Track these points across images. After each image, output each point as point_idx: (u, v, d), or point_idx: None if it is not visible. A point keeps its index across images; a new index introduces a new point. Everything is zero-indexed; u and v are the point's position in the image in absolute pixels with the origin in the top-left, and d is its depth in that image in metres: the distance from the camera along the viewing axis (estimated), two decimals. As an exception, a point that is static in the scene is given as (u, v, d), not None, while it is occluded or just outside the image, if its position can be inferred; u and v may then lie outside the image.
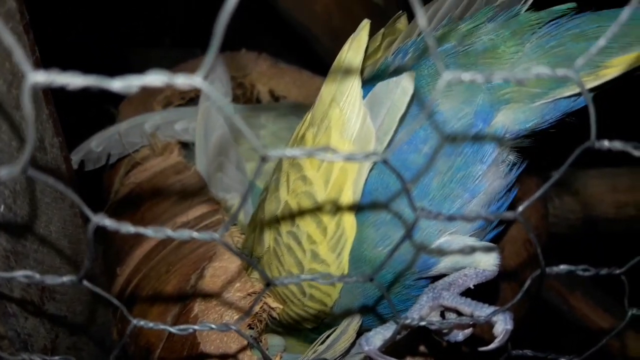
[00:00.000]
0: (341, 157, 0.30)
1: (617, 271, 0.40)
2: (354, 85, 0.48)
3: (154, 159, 0.77)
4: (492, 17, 0.50)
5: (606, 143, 0.31)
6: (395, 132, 0.47)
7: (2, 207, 0.43)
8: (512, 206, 0.54)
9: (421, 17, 0.27)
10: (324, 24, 1.17)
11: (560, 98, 0.46)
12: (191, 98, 0.87)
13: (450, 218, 0.34)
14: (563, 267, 0.37)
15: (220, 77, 0.81)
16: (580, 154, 0.32)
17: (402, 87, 0.46)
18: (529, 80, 0.45)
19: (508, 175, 0.51)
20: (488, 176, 0.49)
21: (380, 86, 0.48)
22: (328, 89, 0.51)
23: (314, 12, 1.17)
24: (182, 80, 0.25)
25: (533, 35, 0.47)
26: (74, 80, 0.25)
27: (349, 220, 0.49)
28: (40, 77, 0.25)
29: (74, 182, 0.57)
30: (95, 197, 0.83)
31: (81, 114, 0.87)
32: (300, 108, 0.82)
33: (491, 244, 0.50)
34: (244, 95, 0.92)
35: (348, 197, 0.48)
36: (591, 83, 0.45)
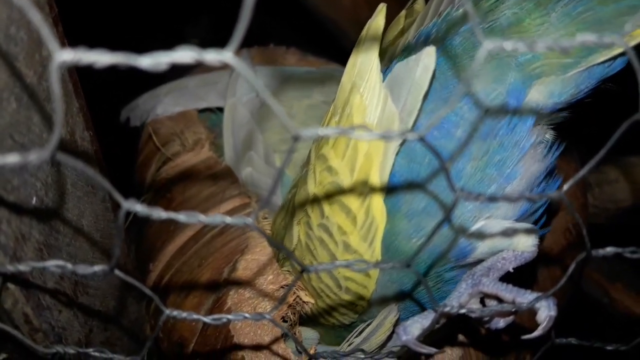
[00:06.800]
0: (376, 136, 0.29)
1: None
2: (373, 69, 0.48)
3: (185, 155, 0.77)
4: None
5: (657, 114, 0.29)
6: (420, 110, 0.46)
7: (35, 199, 0.43)
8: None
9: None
10: (352, 18, 1.16)
11: (594, 65, 0.44)
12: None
13: (492, 199, 0.33)
14: (610, 249, 0.36)
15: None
16: (622, 138, 0.31)
17: (423, 64, 0.45)
18: (571, 49, 0.43)
19: (546, 157, 0.49)
20: (525, 159, 0.47)
21: (400, 66, 0.47)
22: (348, 76, 0.50)
23: (341, 6, 1.16)
24: (212, 57, 0.25)
25: (558, 3, 0.45)
26: (101, 58, 0.24)
27: (378, 207, 0.48)
28: (67, 56, 0.24)
29: (105, 175, 0.57)
30: (127, 195, 0.84)
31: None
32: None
33: (530, 225, 0.48)
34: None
35: (375, 183, 0.47)
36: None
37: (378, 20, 0.49)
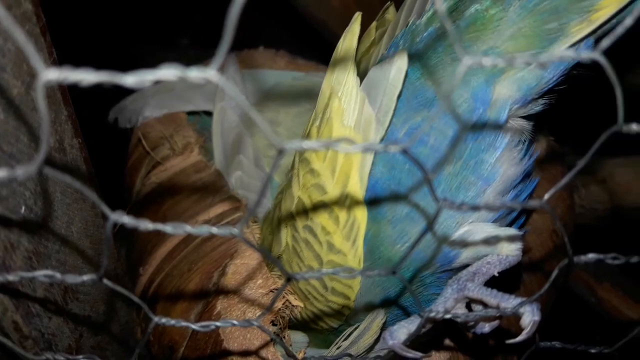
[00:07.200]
0: (359, 148, 0.30)
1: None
2: (350, 73, 0.50)
3: (174, 159, 0.77)
4: None
5: (635, 127, 0.29)
6: (394, 110, 0.47)
7: (23, 208, 0.43)
8: (536, 196, 0.53)
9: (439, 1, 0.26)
10: (341, 19, 1.15)
11: None
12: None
13: (474, 208, 0.34)
14: (591, 256, 0.36)
15: (232, 77, 0.81)
16: (607, 140, 0.31)
17: (397, 65, 0.47)
18: (549, 64, 0.43)
19: (523, 160, 0.49)
20: (502, 161, 0.48)
21: (374, 70, 0.49)
22: (327, 82, 0.52)
23: (331, 8, 1.16)
24: (196, 74, 0.25)
25: None
26: (86, 76, 0.25)
27: (359, 207, 0.49)
28: (52, 75, 0.24)
29: (94, 182, 0.57)
30: (117, 198, 0.84)
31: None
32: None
33: (513, 230, 0.49)
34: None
35: (355, 183, 0.49)
36: (585, 30, 0.43)
37: (354, 27, 0.51)
